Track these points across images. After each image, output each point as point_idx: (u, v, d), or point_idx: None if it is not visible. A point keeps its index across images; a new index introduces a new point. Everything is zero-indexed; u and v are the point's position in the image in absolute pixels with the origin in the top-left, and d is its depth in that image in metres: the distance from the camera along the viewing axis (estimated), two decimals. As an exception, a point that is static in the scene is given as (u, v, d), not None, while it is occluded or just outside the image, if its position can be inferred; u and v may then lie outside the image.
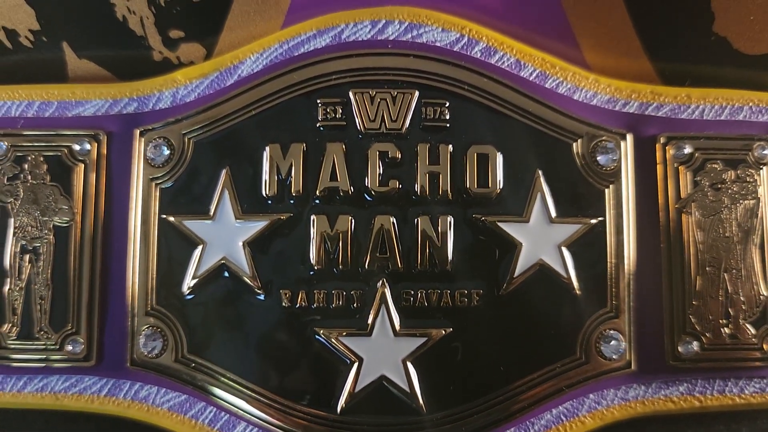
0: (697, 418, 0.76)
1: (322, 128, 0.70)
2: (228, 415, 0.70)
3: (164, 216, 0.70)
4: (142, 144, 0.72)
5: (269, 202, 0.70)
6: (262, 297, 0.69)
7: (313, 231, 0.69)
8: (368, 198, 0.69)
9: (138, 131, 0.72)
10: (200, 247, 0.69)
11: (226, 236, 0.69)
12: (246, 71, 0.73)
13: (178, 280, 0.70)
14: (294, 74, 0.71)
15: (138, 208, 0.71)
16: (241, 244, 0.69)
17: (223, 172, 0.70)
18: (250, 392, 0.69)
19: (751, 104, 0.76)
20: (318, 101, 0.70)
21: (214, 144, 0.71)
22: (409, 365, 0.68)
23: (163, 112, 0.73)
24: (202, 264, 0.69)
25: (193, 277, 0.69)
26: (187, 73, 0.74)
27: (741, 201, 0.74)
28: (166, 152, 0.71)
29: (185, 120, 0.71)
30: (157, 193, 0.71)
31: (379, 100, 0.70)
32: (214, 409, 0.70)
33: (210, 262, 0.69)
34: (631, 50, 0.78)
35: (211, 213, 0.70)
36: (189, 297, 0.70)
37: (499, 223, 0.70)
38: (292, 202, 0.70)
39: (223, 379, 0.69)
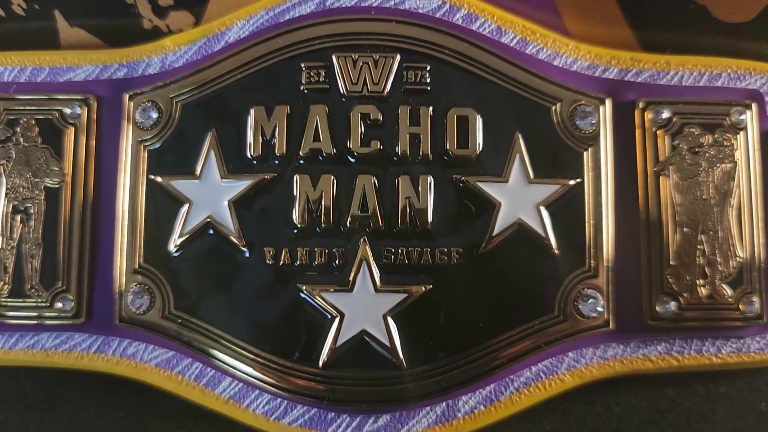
0: (676, 377, 0.75)
1: (305, 91, 0.70)
2: (213, 370, 0.70)
3: (152, 176, 0.70)
4: (131, 107, 0.72)
5: (254, 162, 0.69)
6: (246, 254, 0.69)
7: (296, 190, 0.69)
8: (350, 159, 0.69)
9: (127, 95, 0.72)
10: (186, 206, 0.69)
11: (211, 195, 0.69)
12: (233, 37, 0.73)
13: (165, 238, 0.69)
14: (279, 39, 0.71)
15: (127, 170, 0.71)
16: (226, 202, 0.69)
17: (210, 133, 0.70)
18: (234, 347, 0.68)
19: (729, 71, 0.76)
20: (302, 65, 0.70)
21: (201, 107, 0.70)
22: (390, 320, 0.67)
23: (152, 77, 0.73)
24: (188, 222, 0.69)
25: (180, 235, 0.69)
26: (175, 40, 0.74)
27: (718, 164, 0.73)
28: (155, 115, 0.71)
29: (173, 84, 0.71)
30: (145, 155, 0.71)
31: (361, 63, 0.70)
32: (200, 364, 0.70)
33: (196, 221, 0.69)
34: (611, 18, 0.77)
35: (198, 173, 0.70)
36: (176, 255, 0.69)
37: (479, 183, 0.69)
38: (276, 162, 0.69)
39: (208, 334, 0.68)
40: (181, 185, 0.69)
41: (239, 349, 0.68)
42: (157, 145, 0.70)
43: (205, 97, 0.70)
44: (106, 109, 0.73)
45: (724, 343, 0.73)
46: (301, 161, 0.69)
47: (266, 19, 0.72)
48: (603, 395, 0.74)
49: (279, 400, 0.69)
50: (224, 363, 0.69)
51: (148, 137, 0.71)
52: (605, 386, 0.74)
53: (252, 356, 0.68)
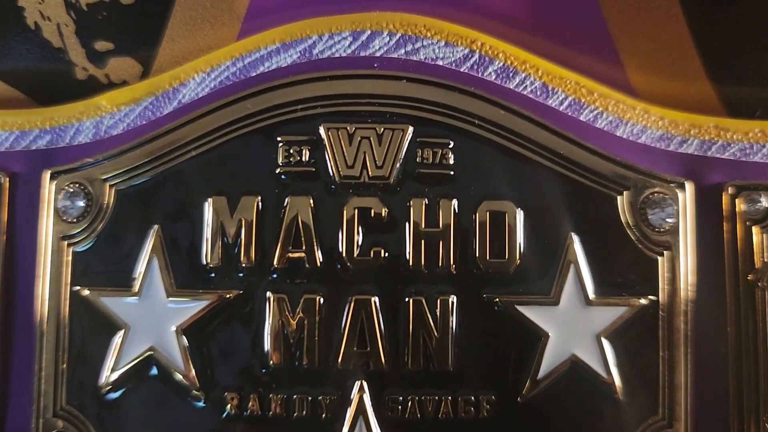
0: None
1: (283, 176, 0.47)
2: None
3: (77, 288, 0.48)
4: (53, 191, 0.49)
5: (212, 275, 0.47)
6: (200, 401, 0.46)
7: (268, 315, 0.46)
8: (343, 272, 0.47)
9: (48, 174, 0.49)
10: (122, 332, 0.47)
11: (154, 319, 0.47)
12: (188, 96, 0.50)
13: (94, 374, 0.47)
14: (248, 102, 0.48)
15: (46, 277, 0.48)
16: (173, 329, 0.46)
17: (153, 233, 0.47)
18: None
19: (843, 143, 0.53)
20: (279, 139, 0.47)
21: (143, 195, 0.48)
22: (397, 496, 0.45)
23: (82, 147, 0.50)
24: (123, 354, 0.47)
25: (112, 371, 0.47)
26: (113, 98, 0.51)
27: (832, 271, 0.51)
28: (82, 204, 0.48)
29: (108, 161, 0.49)
30: (70, 258, 0.48)
31: (359, 138, 0.47)
32: None
33: (133, 353, 0.47)
34: (689, 71, 0.54)
35: (136, 288, 0.47)
36: (107, 397, 0.47)
37: (519, 307, 0.47)
38: (241, 275, 0.47)
39: None
40: (115, 304, 0.47)
41: None
42: (85, 246, 0.48)
43: (148, 181, 0.48)
44: (22, 191, 0.50)
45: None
46: (276, 275, 0.46)
47: (233, 72, 0.49)
48: None
49: None
50: None
51: (73, 233, 0.48)
52: None
53: None
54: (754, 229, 0.51)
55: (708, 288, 0.50)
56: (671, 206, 0.49)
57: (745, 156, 0.52)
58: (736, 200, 0.51)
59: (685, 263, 0.49)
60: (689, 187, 0.50)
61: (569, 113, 0.50)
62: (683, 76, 0.54)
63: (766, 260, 0.50)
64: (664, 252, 0.49)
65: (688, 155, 0.52)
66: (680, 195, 0.49)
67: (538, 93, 0.50)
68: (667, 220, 0.49)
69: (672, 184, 0.49)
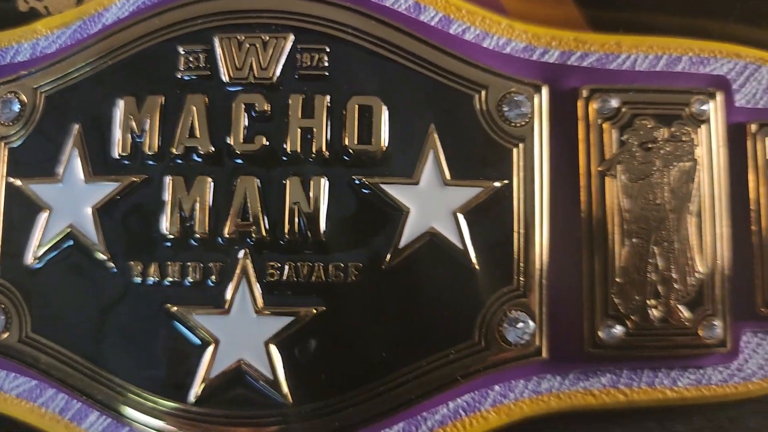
0: (625, 414, 0.60)
1: (183, 78, 0.56)
2: (79, 403, 0.56)
3: (11, 179, 0.57)
4: (-6, 100, 0.58)
5: (122, 162, 0.56)
6: (111, 269, 0.55)
7: (167, 195, 0.55)
8: (231, 157, 0.55)
9: (-11, 86, 0.59)
10: (46, 213, 0.56)
11: (73, 201, 0.55)
12: (111, 18, 0.59)
13: (23, 250, 0.56)
14: (156, 19, 0.57)
15: (-14, 171, 0.58)
16: (89, 209, 0.55)
17: (75, 129, 0.56)
18: (98, 378, 0.55)
19: (691, 54, 0.60)
20: (179, 48, 0.56)
21: (67, 98, 0.57)
22: (273, 348, 0.53)
23: (20, 65, 0.60)
24: (47, 232, 0.56)
25: (38, 247, 0.56)
26: (48, 23, 0.60)
27: (675, 163, 0.58)
28: (16, 108, 0.58)
29: (38, 72, 0.58)
30: (5, 154, 0.57)
31: (248, 46, 0.56)
32: (65, 396, 0.57)
33: (56, 230, 0.55)
34: (556, -5, 0.62)
35: (59, 175, 0.56)
36: (34, 269, 0.56)
37: (384, 186, 0.55)
38: (147, 162, 0.55)
39: (68, 362, 0.55)
40: (41, 189, 0.56)
41: (104, 380, 0.54)
42: (19, 143, 0.57)
43: (71, 87, 0.57)
44: (-31, 102, 0.59)
45: (681, 374, 0.58)
46: (175, 161, 0.55)
47: (148, -3, 0.59)
48: (538, 434, 0.59)
49: (153, 439, 0.55)
50: (89, 395, 0.55)
51: (9, 134, 0.57)
52: (540, 424, 0.59)
53: (118, 388, 0.54)
54: (604, 126, 0.58)
55: (563, 176, 0.58)
56: (527, 105, 0.57)
57: (601, 65, 0.60)
58: (590, 101, 0.58)
59: (540, 154, 0.57)
60: (545, 89, 0.58)
61: (439, 27, 0.59)
62: (554, 0, 0.62)
63: (614, 152, 0.58)
64: (520, 144, 0.56)
65: (549, 64, 0.59)
66: (536, 96, 0.57)
67: (411, 10, 0.58)
68: (522, 116, 0.57)
69: (528, 86, 0.57)
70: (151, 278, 0.54)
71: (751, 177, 0.59)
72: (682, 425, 0.59)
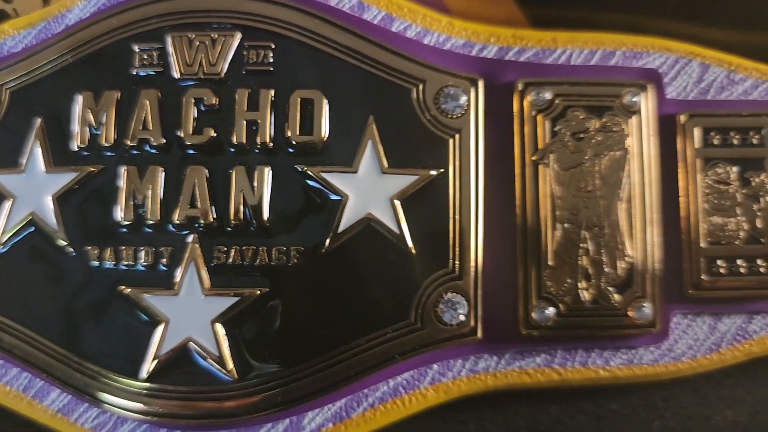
0: (563, 393, 0.63)
1: (137, 75, 0.60)
2: (42, 381, 0.60)
3: (-22, 170, 0.61)
4: (-37, 97, 0.63)
5: (82, 153, 0.60)
6: (70, 254, 0.59)
7: (122, 184, 0.59)
8: (181, 148, 0.59)
9: (-39, 84, 0.63)
10: (10, 202, 0.60)
11: (35, 190, 0.59)
12: (73, 19, 0.63)
13: (-11, 238, 0.60)
14: (114, 19, 0.61)
15: (-43, 163, 0.62)
16: (49, 198, 0.59)
17: (37, 122, 0.60)
18: (59, 357, 0.58)
19: (624, 48, 0.64)
20: (134, 47, 0.60)
21: (30, 94, 0.61)
22: (218, 327, 0.57)
23: (-11, 64, 0.64)
24: (10, 219, 0.59)
25: (2, 233, 0.60)
26: (15, 24, 0.65)
27: (606, 152, 0.61)
28: (-16, 104, 0.62)
29: (5, 70, 0.62)
30: (-26, 147, 0.62)
31: (198, 43, 0.60)
32: (29, 375, 0.60)
33: (18, 217, 0.59)
34: (498, -5, 0.66)
35: (22, 166, 0.60)
36: (-1, 253, 0.60)
37: (324, 174, 0.58)
38: (103, 153, 0.59)
39: (30, 341, 0.58)
40: (6, 179, 0.60)
41: (64, 359, 0.58)
42: (-16, 137, 0.61)
43: (34, 83, 0.61)
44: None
45: (613, 355, 0.61)
46: (130, 152, 0.59)
47: (107, -1, 0.63)
48: (478, 413, 0.62)
49: (108, 414, 0.59)
50: (49, 373, 0.59)
51: (-23, 128, 0.62)
52: (482, 403, 0.62)
53: (75, 365, 0.58)
54: (539, 117, 0.61)
55: (498, 165, 0.61)
56: (463, 97, 0.60)
57: (538, 59, 0.63)
58: (524, 94, 0.62)
59: (474, 144, 0.60)
60: (481, 83, 0.61)
61: (382, 25, 0.62)
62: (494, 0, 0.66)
63: (547, 142, 0.61)
64: (456, 135, 0.60)
65: (488, 59, 0.63)
66: (472, 90, 0.61)
67: (356, 9, 0.62)
68: (458, 108, 0.60)
69: (465, 80, 0.61)
70: (107, 262, 0.57)
71: (680, 165, 0.62)
72: (616, 404, 0.63)
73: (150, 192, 0.57)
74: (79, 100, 0.59)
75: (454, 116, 0.59)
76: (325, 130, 0.58)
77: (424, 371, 0.59)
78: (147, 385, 0.56)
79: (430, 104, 0.59)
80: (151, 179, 0.57)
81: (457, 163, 0.59)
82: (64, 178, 0.58)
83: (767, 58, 0.64)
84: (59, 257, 0.58)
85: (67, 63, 0.60)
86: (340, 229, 0.57)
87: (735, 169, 0.61)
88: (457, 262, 0.58)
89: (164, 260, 0.57)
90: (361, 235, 0.57)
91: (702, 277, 0.60)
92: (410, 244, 0.57)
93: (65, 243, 0.58)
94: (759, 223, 0.61)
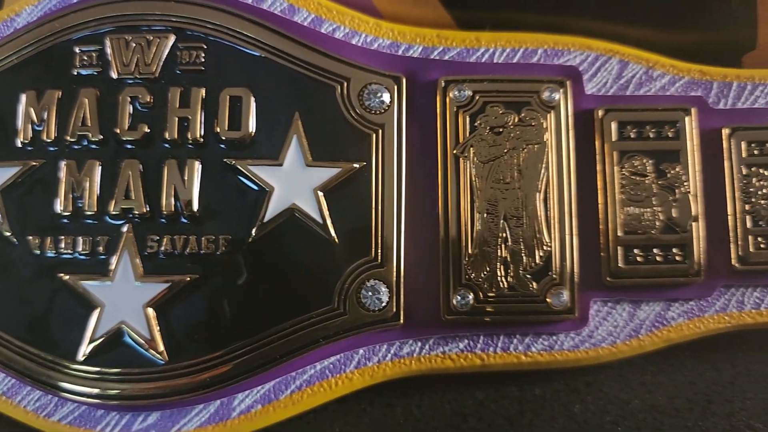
0: (489, 378, 0.66)
1: (78, 75, 0.64)
2: (-14, 365, 0.64)
3: (-70, 168, 0.66)
4: None
5: (26, 149, 0.64)
6: (14, 244, 0.63)
7: (62, 177, 0.63)
8: (118, 143, 0.63)
9: None
10: (-45, 197, 0.64)
11: (-20, 184, 0.64)
12: (22, 22, 0.67)
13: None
14: (56, 22, 0.65)
15: None
16: (-6, 191, 0.64)
17: (-16, 121, 0.65)
18: (1, 341, 0.63)
19: (546, 47, 0.67)
20: (76, 48, 0.65)
21: (-22, 93, 0.66)
22: (150, 311, 0.61)
23: (-55, 67, 0.69)
24: (-43, 212, 0.64)
25: (-50, 226, 0.64)
26: (-31, 29, 0.70)
27: (524, 146, 0.65)
28: (-64, 104, 0.66)
29: (-46, 72, 0.67)
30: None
31: (134, 45, 0.64)
32: (-25, 359, 0.65)
33: (-35, 210, 0.64)
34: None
35: (-31, 162, 0.65)
36: (-53, 245, 0.64)
37: (251, 167, 0.62)
38: (45, 148, 0.64)
39: (-24, 327, 0.63)
40: (-47, 174, 0.64)
41: (6, 343, 0.62)
42: (-64, 137, 0.66)
43: (-19, 84, 0.65)
44: None
45: (535, 341, 0.65)
46: (70, 147, 0.63)
47: (54, 3, 0.67)
48: (406, 397, 0.66)
49: (50, 396, 0.63)
50: (-6, 357, 0.63)
51: (-69, 129, 0.66)
52: (410, 387, 0.66)
53: (19, 350, 0.62)
54: (460, 113, 0.65)
55: (422, 159, 0.65)
56: (386, 94, 0.64)
57: (461, 58, 0.67)
58: (447, 91, 0.66)
59: (397, 138, 0.64)
60: (404, 81, 0.65)
61: (312, 27, 0.66)
62: (422, 2, 0.70)
63: (467, 136, 0.65)
64: (379, 130, 0.64)
65: (414, 58, 0.67)
66: (396, 88, 0.65)
67: (286, 12, 0.66)
68: (382, 105, 0.64)
69: (388, 78, 0.65)
70: (48, 251, 0.62)
71: (598, 158, 0.65)
72: (540, 389, 0.66)
73: (88, 184, 0.61)
74: (22, 99, 0.63)
75: (378, 112, 0.63)
76: (252, 125, 0.62)
77: (351, 356, 0.63)
78: (84, 367, 0.60)
79: (354, 101, 0.63)
80: (89, 173, 0.62)
81: (380, 156, 0.62)
82: (8, 172, 0.63)
83: (684, 56, 0.67)
84: (4, 247, 0.62)
85: (12, 64, 0.64)
86: (266, 219, 0.61)
87: (651, 161, 0.65)
88: (379, 251, 0.62)
89: (101, 249, 0.61)
90: (286, 224, 0.61)
91: (619, 265, 0.64)
92: (333, 233, 0.61)
93: (9, 233, 0.62)
94: (675, 213, 0.64)
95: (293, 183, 0.61)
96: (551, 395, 0.65)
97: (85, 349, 0.60)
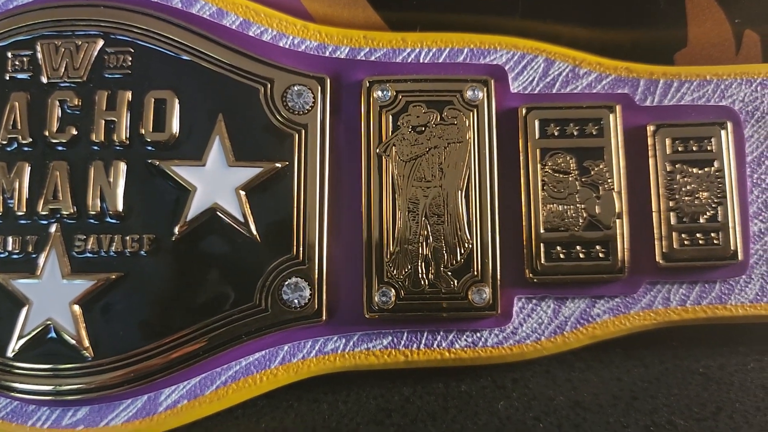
0: (417, 375, 0.69)
1: (11, 79, 0.69)
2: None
3: None
4: None
5: (-36, 152, 0.68)
6: (-48, 244, 0.67)
7: (-7, 178, 0.67)
8: (47, 145, 0.67)
9: None
10: None
11: None
12: (-38, 30, 0.72)
13: None
14: (-12, 28, 0.70)
15: None
16: (-66, 192, 0.68)
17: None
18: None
19: (472, 46, 0.70)
20: (8, 53, 0.69)
21: None
22: (76, 308, 0.65)
23: None
24: None
25: None
26: None
27: (446, 144, 0.68)
28: None
29: None
30: None
31: (63, 50, 0.68)
32: None
33: None
34: (356, 1, 0.73)
35: None
36: None
37: (174, 167, 0.66)
38: (-20, 151, 0.68)
39: None
40: None
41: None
42: None
43: None
44: None
45: (458, 337, 0.68)
46: (2, 150, 0.68)
47: (-7, 10, 0.72)
48: (333, 393, 0.69)
49: (-18, 393, 0.67)
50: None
51: None
52: (338, 384, 0.69)
53: (-46, 346, 0.67)
54: (383, 113, 0.69)
55: (346, 159, 0.68)
56: (307, 95, 0.68)
57: (388, 59, 0.70)
58: (371, 91, 0.69)
59: (320, 138, 0.68)
60: (328, 81, 0.69)
61: (240, 30, 0.70)
62: (349, 4, 0.73)
63: (390, 135, 0.68)
64: (302, 130, 0.67)
65: (340, 59, 0.70)
66: (320, 88, 0.68)
67: (215, 15, 0.70)
68: (305, 106, 0.68)
69: (312, 79, 0.68)
70: (-20, 251, 0.66)
71: (521, 156, 0.68)
72: (466, 385, 0.69)
73: (17, 185, 0.66)
74: (-44, 105, 0.67)
75: (301, 113, 0.67)
76: (176, 127, 0.66)
77: (275, 352, 0.66)
78: (14, 363, 0.64)
79: (278, 102, 0.67)
80: (19, 174, 0.66)
81: (303, 156, 0.66)
82: (-52, 175, 0.67)
83: (610, 54, 0.70)
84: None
85: (-50, 70, 0.69)
86: (189, 218, 0.64)
87: (574, 158, 0.67)
88: (301, 249, 0.65)
89: (30, 247, 0.65)
90: (208, 223, 0.65)
91: (541, 262, 0.67)
92: (255, 231, 0.65)
93: (-51, 237, 0.66)
94: (598, 210, 0.67)
95: (215, 183, 0.64)
96: (477, 391, 0.68)
97: (14, 345, 0.64)
